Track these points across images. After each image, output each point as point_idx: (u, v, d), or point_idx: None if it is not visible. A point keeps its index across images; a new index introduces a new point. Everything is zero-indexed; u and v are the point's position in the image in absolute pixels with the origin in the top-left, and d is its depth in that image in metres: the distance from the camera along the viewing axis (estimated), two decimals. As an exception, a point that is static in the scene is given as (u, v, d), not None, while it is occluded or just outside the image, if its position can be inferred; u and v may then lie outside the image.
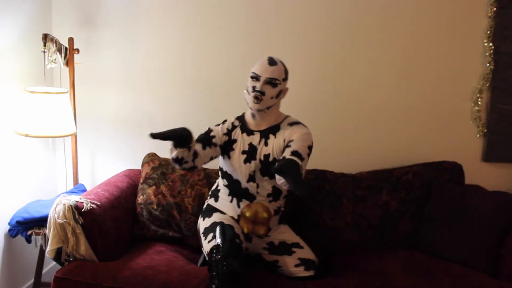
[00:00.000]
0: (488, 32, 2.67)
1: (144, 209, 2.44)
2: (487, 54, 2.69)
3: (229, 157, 2.16)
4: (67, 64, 2.62)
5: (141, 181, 2.51)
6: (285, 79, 2.09)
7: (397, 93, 2.78)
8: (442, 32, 2.71)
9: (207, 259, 2.01)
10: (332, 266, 2.25)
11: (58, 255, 2.09)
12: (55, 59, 2.52)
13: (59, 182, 2.96)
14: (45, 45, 2.45)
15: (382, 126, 2.81)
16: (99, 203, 2.19)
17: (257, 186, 2.15)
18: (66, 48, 2.60)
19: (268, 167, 2.12)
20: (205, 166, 2.57)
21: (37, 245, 2.63)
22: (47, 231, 2.11)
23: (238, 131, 2.18)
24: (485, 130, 2.75)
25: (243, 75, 2.79)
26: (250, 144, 2.14)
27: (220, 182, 2.26)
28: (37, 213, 2.39)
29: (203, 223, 2.18)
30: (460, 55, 2.72)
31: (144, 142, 2.89)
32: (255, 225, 2.10)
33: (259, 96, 2.02)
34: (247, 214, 2.10)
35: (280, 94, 2.09)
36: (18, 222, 2.38)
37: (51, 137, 2.52)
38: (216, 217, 2.16)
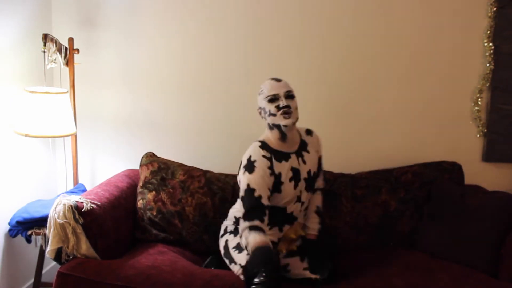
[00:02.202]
0: (488, 32, 2.67)
1: (144, 214, 2.44)
2: (487, 54, 2.69)
3: (279, 192, 2.09)
4: (67, 64, 2.62)
5: (140, 185, 2.49)
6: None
7: (397, 93, 2.78)
8: (442, 32, 2.71)
9: (241, 272, 2.01)
10: (338, 269, 2.23)
11: (58, 255, 2.09)
12: (55, 59, 2.52)
13: (59, 182, 2.96)
14: (45, 45, 2.45)
15: (382, 126, 2.81)
16: (99, 203, 2.19)
17: (302, 204, 2.17)
18: (66, 48, 2.60)
19: (311, 182, 2.19)
20: (206, 168, 2.59)
21: (37, 245, 2.63)
22: (47, 231, 2.11)
23: (275, 162, 2.08)
24: (485, 130, 2.75)
25: (244, 74, 2.81)
26: (292, 169, 2.11)
27: None
28: (37, 213, 2.39)
29: (235, 239, 2.16)
30: (460, 55, 2.72)
31: (144, 142, 2.90)
32: (291, 243, 2.17)
33: (288, 111, 2.03)
34: (293, 236, 2.15)
35: None
36: (18, 222, 2.38)
37: (51, 137, 2.52)
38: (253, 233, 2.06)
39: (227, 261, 2.16)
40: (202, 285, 1.97)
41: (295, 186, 2.11)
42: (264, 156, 2.06)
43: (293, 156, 2.13)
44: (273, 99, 2.05)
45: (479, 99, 2.74)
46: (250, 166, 2.04)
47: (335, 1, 2.73)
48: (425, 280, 2.09)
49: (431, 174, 2.54)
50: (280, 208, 2.12)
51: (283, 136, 2.10)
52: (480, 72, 2.72)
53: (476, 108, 2.75)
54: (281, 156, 2.11)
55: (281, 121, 2.04)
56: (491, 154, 2.76)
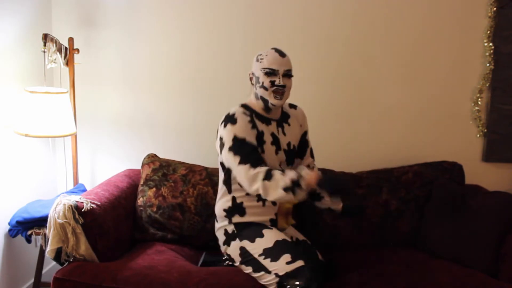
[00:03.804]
0: (488, 32, 2.68)
1: (144, 212, 2.44)
2: (487, 54, 2.69)
3: (263, 151, 2.00)
4: (67, 64, 2.62)
5: (141, 183, 2.50)
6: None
7: (397, 93, 2.78)
8: (442, 32, 2.71)
9: (280, 280, 1.89)
10: (336, 266, 2.24)
11: (58, 255, 2.08)
12: (55, 59, 2.51)
13: (59, 182, 2.96)
14: (45, 45, 2.45)
15: (382, 126, 2.81)
16: (99, 203, 2.19)
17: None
18: (66, 48, 2.60)
19: (291, 155, 2.11)
20: (207, 164, 2.59)
21: (37, 245, 2.63)
22: (47, 231, 2.10)
23: (256, 120, 2.02)
24: (485, 130, 2.75)
25: (246, 73, 2.79)
26: (272, 134, 2.05)
27: (239, 194, 2.06)
28: (37, 213, 2.39)
29: (256, 245, 1.99)
30: (460, 55, 2.72)
31: (144, 142, 2.90)
32: (287, 216, 2.08)
33: (281, 90, 1.96)
34: (288, 206, 2.05)
35: None
36: (18, 222, 2.37)
37: (51, 137, 2.52)
38: (271, 234, 1.99)
39: (249, 268, 2.00)
40: (198, 282, 1.97)
41: (276, 152, 2.04)
42: (244, 113, 1.99)
43: (273, 123, 2.07)
44: (270, 73, 1.97)
45: (479, 99, 2.74)
46: (230, 119, 1.96)
47: (336, 1, 2.73)
48: (425, 280, 2.09)
49: (431, 174, 2.54)
50: None
51: (266, 109, 2.05)
52: (480, 72, 2.72)
53: (476, 108, 2.75)
54: (262, 118, 2.05)
55: (270, 99, 1.98)
56: (491, 154, 2.76)
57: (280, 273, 1.89)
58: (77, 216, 2.07)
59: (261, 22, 2.77)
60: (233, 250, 2.07)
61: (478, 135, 2.78)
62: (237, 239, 2.06)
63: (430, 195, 2.49)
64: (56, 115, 2.39)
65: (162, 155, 2.66)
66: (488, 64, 2.70)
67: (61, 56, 2.55)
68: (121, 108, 2.90)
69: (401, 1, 2.70)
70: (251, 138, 1.94)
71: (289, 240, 2.02)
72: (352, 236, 2.47)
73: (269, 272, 1.93)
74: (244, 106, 2.06)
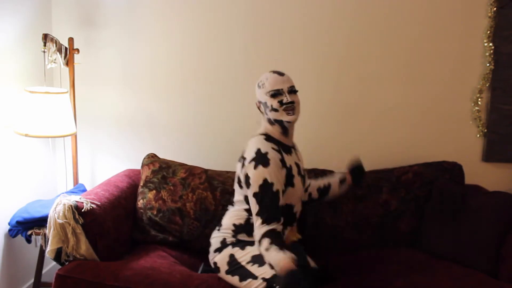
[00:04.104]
0: (488, 32, 2.68)
1: (144, 214, 2.43)
2: (487, 54, 2.69)
3: (293, 186, 1.99)
4: (67, 64, 2.62)
5: (141, 184, 2.50)
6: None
7: (397, 93, 2.78)
8: (442, 32, 2.71)
9: (268, 284, 1.86)
10: (331, 269, 2.23)
11: (58, 255, 2.08)
12: (55, 59, 2.52)
13: (59, 182, 2.96)
14: (45, 45, 2.45)
15: (382, 126, 2.81)
16: (99, 203, 2.19)
17: (301, 203, 2.12)
18: (66, 48, 2.60)
19: (305, 179, 2.15)
20: (206, 167, 2.59)
21: (37, 245, 2.63)
22: (47, 231, 2.10)
23: (284, 154, 1.99)
24: (485, 130, 2.75)
25: (246, 73, 2.80)
26: (296, 163, 2.04)
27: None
28: (37, 213, 2.39)
29: (246, 252, 1.98)
30: (460, 55, 2.72)
31: (144, 142, 2.90)
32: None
33: (292, 107, 1.96)
34: (294, 238, 2.07)
35: None
36: (18, 222, 2.37)
37: (51, 137, 2.52)
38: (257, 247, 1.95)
39: (235, 278, 1.97)
40: (199, 284, 1.97)
41: (302, 182, 2.06)
42: (273, 148, 1.95)
43: (293, 151, 2.08)
44: (275, 94, 1.96)
45: (479, 99, 2.74)
46: (262, 159, 1.90)
47: (336, 1, 2.73)
48: (425, 280, 2.09)
49: (431, 174, 2.54)
50: (288, 208, 2.01)
51: (285, 131, 2.03)
52: (480, 72, 2.72)
53: (476, 108, 2.75)
54: (286, 148, 2.03)
55: (284, 117, 1.96)
56: (491, 154, 2.76)
57: (267, 277, 1.86)
58: (77, 216, 2.07)
59: (261, 22, 2.77)
60: (222, 258, 2.04)
61: (478, 135, 2.78)
62: (230, 246, 2.05)
63: (430, 195, 2.49)
64: (56, 115, 2.39)
65: (162, 155, 2.66)
66: (488, 64, 2.70)
67: (61, 56, 2.55)
68: (121, 108, 2.90)
69: (401, 1, 2.70)
70: (279, 183, 1.91)
71: None
72: (352, 236, 2.47)
73: (255, 277, 1.90)
74: (267, 137, 2.01)
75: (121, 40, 2.84)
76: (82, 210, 2.09)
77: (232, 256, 2.01)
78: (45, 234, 2.30)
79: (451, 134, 2.79)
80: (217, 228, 2.16)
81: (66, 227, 2.06)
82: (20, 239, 2.50)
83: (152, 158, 2.57)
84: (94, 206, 2.14)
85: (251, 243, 1.99)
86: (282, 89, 1.96)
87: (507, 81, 2.70)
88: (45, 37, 2.45)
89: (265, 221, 1.85)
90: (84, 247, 2.08)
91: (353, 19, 2.74)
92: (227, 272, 2.01)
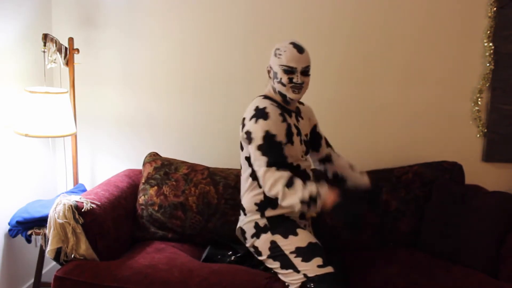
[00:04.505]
0: (488, 32, 2.68)
1: (145, 210, 2.44)
2: (487, 54, 2.69)
3: (292, 144, 2.00)
4: (67, 64, 2.62)
5: (143, 181, 2.50)
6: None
7: (397, 93, 2.78)
8: (442, 32, 2.71)
9: (306, 281, 1.90)
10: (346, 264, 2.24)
11: (58, 255, 2.08)
12: (55, 59, 2.52)
13: (59, 182, 2.96)
14: (45, 45, 2.45)
15: (382, 126, 2.81)
16: (99, 203, 2.19)
17: (306, 163, 2.12)
18: (66, 48, 2.60)
19: (308, 146, 2.15)
20: (208, 164, 2.59)
21: (37, 245, 2.63)
22: (47, 231, 2.10)
23: (284, 113, 2.02)
24: (485, 130, 2.75)
25: (246, 72, 2.81)
26: (295, 126, 2.06)
27: None
28: (37, 213, 2.39)
29: (289, 241, 1.98)
30: (460, 55, 2.72)
31: (144, 141, 2.90)
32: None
33: (300, 87, 1.97)
34: (313, 214, 2.07)
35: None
36: (18, 222, 2.37)
37: (51, 137, 2.52)
38: (304, 236, 1.99)
39: (276, 263, 1.98)
40: (199, 282, 1.97)
41: (300, 142, 2.06)
42: (272, 105, 1.98)
43: (293, 115, 2.08)
44: (288, 71, 1.96)
45: (479, 99, 2.74)
46: (262, 113, 1.93)
47: (336, 3, 2.73)
48: (425, 280, 2.09)
49: (431, 174, 2.54)
50: (294, 167, 2.01)
51: (285, 102, 2.05)
52: (480, 72, 2.72)
53: (476, 108, 2.75)
54: (287, 110, 2.05)
55: (289, 93, 1.98)
56: (491, 154, 2.76)
57: (310, 275, 1.89)
58: (77, 216, 2.07)
59: (261, 22, 2.77)
60: (262, 243, 2.03)
61: (478, 135, 2.78)
62: (269, 232, 2.02)
63: (430, 195, 2.49)
64: (56, 115, 2.39)
65: (162, 155, 2.66)
66: (488, 64, 2.70)
67: (61, 56, 2.55)
68: (121, 108, 2.90)
69: (401, 1, 2.70)
70: (281, 134, 1.94)
71: (320, 245, 2.01)
72: (352, 237, 2.47)
73: (298, 271, 1.93)
74: (268, 98, 2.05)
75: (121, 40, 2.84)
76: (82, 210, 2.09)
77: (274, 243, 2.00)
78: (45, 234, 2.30)
79: (451, 134, 2.79)
80: (242, 212, 2.15)
81: (66, 227, 2.06)
82: (20, 239, 2.50)
83: (154, 156, 2.59)
84: (94, 206, 2.14)
85: (288, 225, 2.01)
86: (296, 68, 1.96)
87: (507, 81, 2.70)
88: (45, 37, 2.45)
89: (277, 168, 1.86)
90: (84, 247, 2.08)
91: (353, 19, 2.74)
92: (269, 257, 2.02)
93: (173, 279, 1.99)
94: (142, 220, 2.44)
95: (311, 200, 1.83)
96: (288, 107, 2.08)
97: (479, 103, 2.74)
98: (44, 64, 2.49)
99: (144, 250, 2.26)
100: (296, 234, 2.00)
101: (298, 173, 2.02)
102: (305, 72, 1.99)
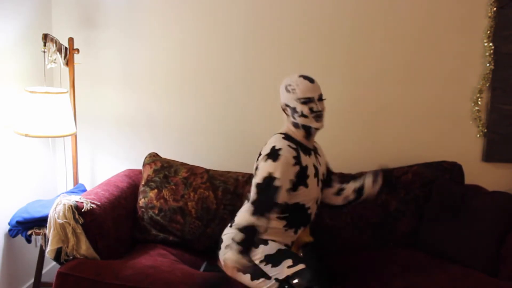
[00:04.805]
0: (488, 32, 2.68)
1: (145, 213, 2.44)
2: (487, 54, 2.69)
3: (306, 186, 2.01)
4: (67, 64, 2.62)
5: (143, 183, 2.50)
6: None
7: (397, 93, 2.78)
8: (442, 32, 2.71)
9: (280, 285, 1.91)
10: (333, 270, 2.23)
11: (58, 255, 2.08)
12: (55, 59, 2.52)
13: (59, 182, 2.96)
14: (45, 45, 2.45)
15: (382, 126, 2.81)
16: (99, 203, 2.19)
17: (316, 206, 2.12)
18: (66, 48, 2.60)
19: (323, 185, 2.16)
20: (206, 167, 2.58)
21: (37, 245, 2.63)
22: (47, 231, 2.11)
23: (301, 153, 2.01)
24: (485, 130, 2.75)
25: (245, 73, 2.81)
26: (314, 166, 2.05)
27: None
28: (37, 213, 2.39)
29: (259, 251, 1.98)
30: (460, 55, 2.72)
31: (144, 142, 2.90)
32: (299, 249, 2.12)
33: (321, 114, 2.00)
34: (307, 240, 2.10)
35: None
36: (18, 222, 2.37)
37: (51, 137, 2.52)
38: (275, 245, 2.00)
39: (246, 276, 1.98)
40: (202, 283, 1.97)
41: (318, 183, 2.07)
42: (289, 146, 1.97)
43: (313, 154, 2.09)
44: (306, 102, 1.97)
45: (479, 99, 2.74)
46: (274, 154, 1.93)
47: (336, 2, 2.73)
48: (425, 280, 2.09)
49: (431, 174, 2.54)
50: (303, 208, 2.04)
51: (308, 136, 2.05)
52: (480, 72, 2.72)
53: (476, 108, 2.75)
54: (306, 149, 2.05)
55: (313, 124, 1.99)
56: (491, 154, 2.76)
57: (280, 277, 1.89)
58: (77, 216, 2.07)
59: (261, 22, 2.77)
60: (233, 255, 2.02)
61: (478, 135, 2.78)
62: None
63: (430, 195, 2.49)
64: (56, 115, 2.39)
65: (161, 155, 2.65)
66: (488, 64, 2.70)
67: (61, 56, 2.55)
68: (121, 108, 2.90)
69: (402, 1, 2.70)
70: (284, 179, 1.91)
71: (293, 252, 2.01)
72: (352, 237, 2.47)
73: (269, 278, 1.93)
74: (286, 137, 2.03)
75: (121, 40, 2.84)
76: (82, 210, 2.09)
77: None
78: (45, 234, 2.30)
79: (451, 134, 2.78)
80: (229, 224, 2.16)
81: (66, 227, 2.06)
82: (20, 239, 2.50)
83: (153, 157, 2.58)
84: (94, 206, 2.14)
85: (264, 241, 2.00)
86: (313, 97, 1.98)
87: (507, 81, 2.70)
88: (45, 37, 2.45)
89: (255, 212, 1.86)
90: (85, 247, 2.08)
91: (353, 19, 2.74)
92: (238, 270, 1.98)
93: (175, 279, 1.99)
94: (143, 222, 2.44)
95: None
96: (307, 145, 2.07)
97: (479, 103, 2.74)
98: (44, 64, 2.49)
99: (147, 253, 2.26)
100: (266, 243, 2.00)
101: (303, 217, 2.05)
102: (320, 99, 2.02)
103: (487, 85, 2.72)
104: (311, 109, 1.98)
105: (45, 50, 2.46)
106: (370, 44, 2.75)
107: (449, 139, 2.79)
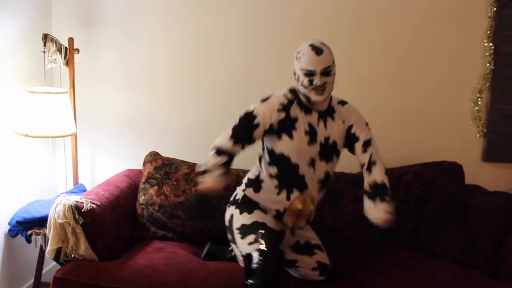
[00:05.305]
0: (488, 32, 2.68)
1: (145, 210, 2.44)
2: (487, 54, 2.69)
3: (291, 137, 2.00)
4: (67, 64, 2.62)
5: (143, 181, 2.50)
6: (333, 60, 2.00)
7: (397, 93, 2.78)
8: (442, 32, 2.71)
9: (242, 260, 1.97)
10: (341, 271, 2.21)
11: (58, 255, 2.08)
12: (55, 59, 2.52)
13: (59, 182, 2.96)
14: (45, 45, 2.45)
15: (382, 126, 2.81)
16: (99, 203, 2.19)
17: (314, 171, 2.06)
18: (66, 48, 2.60)
19: (327, 150, 2.06)
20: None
21: (37, 245, 2.63)
22: (47, 231, 2.11)
23: (296, 107, 2.02)
24: (485, 130, 2.75)
25: (245, 73, 2.81)
26: (310, 125, 2.03)
27: (265, 171, 2.08)
28: (37, 213, 2.39)
29: (240, 218, 2.06)
30: (460, 55, 2.72)
31: (144, 141, 2.90)
32: (299, 218, 2.04)
33: (321, 88, 1.96)
34: (299, 207, 2.01)
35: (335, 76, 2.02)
36: (18, 222, 2.37)
37: (51, 137, 2.52)
38: (258, 216, 2.04)
39: (229, 236, 2.11)
40: (197, 283, 1.97)
41: (309, 143, 2.02)
42: (285, 95, 2.04)
43: (315, 114, 2.04)
44: (308, 74, 1.95)
45: (479, 99, 2.74)
46: (266, 97, 2.04)
47: (336, 2, 2.73)
48: (425, 280, 2.09)
49: (431, 174, 2.54)
50: (292, 166, 2.01)
51: (310, 103, 2.03)
52: (480, 72, 2.72)
53: (476, 108, 2.75)
54: (303, 106, 2.03)
55: (312, 95, 1.97)
56: (491, 154, 2.76)
57: (243, 252, 1.97)
58: (77, 216, 2.07)
59: (261, 22, 2.77)
60: (227, 214, 2.15)
61: (478, 135, 2.78)
62: (235, 205, 2.13)
63: (430, 195, 2.49)
64: (56, 115, 2.39)
65: (163, 154, 2.66)
66: (488, 64, 2.70)
67: (61, 56, 2.55)
68: (121, 108, 2.90)
69: (401, 1, 2.70)
70: (266, 119, 1.98)
71: (269, 225, 2.00)
72: (352, 237, 2.47)
73: (236, 245, 2.05)
74: (292, 90, 2.07)
75: (121, 40, 2.84)
76: (82, 210, 2.09)
77: (231, 216, 2.11)
78: (45, 234, 2.30)
79: (451, 134, 2.79)
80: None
81: (66, 227, 2.06)
82: (20, 239, 2.50)
83: (154, 156, 2.59)
84: (94, 206, 2.14)
85: (253, 206, 2.08)
86: (315, 71, 1.94)
87: (507, 81, 2.70)
88: (45, 37, 2.45)
89: (232, 136, 1.99)
90: (84, 247, 2.08)
91: (353, 20, 2.74)
92: (227, 228, 2.14)
93: (171, 280, 1.99)
94: (142, 220, 2.44)
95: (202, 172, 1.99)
96: (309, 106, 2.04)
97: (479, 103, 2.74)
98: (44, 64, 2.49)
99: (143, 250, 2.26)
100: (250, 212, 2.06)
101: (294, 176, 2.03)
102: (326, 73, 1.96)
103: (487, 85, 2.72)
104: (311, 81, 1.96)
105: (45, 50, 2.46)
106: (369, 44, 2.75)
107: (449, 139, 2.79)
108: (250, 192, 2.12)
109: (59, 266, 2.09)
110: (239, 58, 2.80)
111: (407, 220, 2.48)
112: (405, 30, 2.73)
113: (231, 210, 2.13)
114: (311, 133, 2.03)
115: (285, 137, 2.00)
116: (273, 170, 2.06)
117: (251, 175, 2.17)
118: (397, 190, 2.51)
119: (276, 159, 2.04)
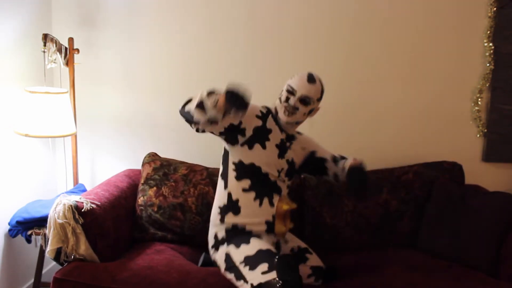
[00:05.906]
0: (488, 32, 2.68)
1: (144, 211, 2.44)
2: (487, 54, 2.69)
3: (263, 147, 2.00)
4: (67, 64, 2.62)
5: (142, 182, 2.50)
6: (319, 99, 2.04)
7: (397, 93, 2.78)
8: (442, 32, 2.71)
9: None
10: (338, 271, 2.20)
11: (58, 255, 2.08)
12: (55, 59, 2.52)
13: (59, 182, 2.96)
14: (45, 45, 2.45)
15: (382, 126, 2.81)
16: (99, 203, 2.19)
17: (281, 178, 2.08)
18: (66, 48, 2.61)
19: (292, 170, 2.12)
20: (207, 164, 2.59)
21: (37, 245, 2.63)
22: (47, 231, 2.10)
23: (271, 120, 2.05)
24: (485, 130, 2.75)
25: (245, 73, 2.81)
26: (282, 141, 2.06)
27: (236, 189, 2.02)
28: (37, 213, 2.39)
29: (239, 251, 1.93)
30: (460, 55, 2.72)
31: (144, 142, 2.90)
32: (286, 219, 2.04)
33: (291, 111, 1.99)
34: (285, 208, 2.01)
35: (312, 112, 2.06)
36: (18, 222, 2.37)
37: (51, 137, 2.52)
38: (257, 243, 1.92)
39: (232, 276, 1.92)
40: (197, 283, 1.97)
41: (279, 156, 2.04)
42: (263, 106, 2.06)
43: (284, 134, 2.08)
44: (289, 91, 2.00)
45: (479, 99, 2.74)
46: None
47: (336, 3, 2.73)
48: (425, 280, 2.09)
49: (431, 174, 2.54)
50: (262, 174, 2.01)
51: (275, 118, 2.06)
52: (480, 72, 2.72)
53: (476, 108, 2.75)
54: (278, 124, 2.06)
55: (280, 112, 2.02)
56: (491, 154, 2.76)
57: (254, 283, 1.79)
58: (77, 216, 2.07)
59: (261, 22, 2.77)
60: (219, 256, 2.02)
61: (478, 135, 2.78)
62: (226, 244, 2.01)
63: (430, 195, 2.49)
64: (56, 115, 2.39)
65: (161, 155, 2.66)
66: (488, 64, 2.70)
67: (61, 56, 2.55)
68: (121, 108, 2.90)
69: (402, 1, 2.71)
70: (244, 120, 1.94)
71: (274, 250, 1.90)
72: (352, 237, 2.47)
73: (247, 281, 1.84)
74: (266, 107, 2.09)
75: (121, 40, 2.84)
76: (82, 210, 2.09)
77: (228, 255, 1.98)
78: (45, 234, 2.30)
79: (451, 134, 2.79)
80: (210, 226, 2.17)
81: (66, 227, 2.06)
82: (20, 239, 2.50)
83: (153, 157, 2.59)
84: (94, 206, 2.14)
85: (246, 235, 1.98)
86: (296, 92, 1.99)
87: (507, 81, 2.70)
88: (45, 37, 2.45)
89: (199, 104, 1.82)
90: (84, 247, 2.08)
91: (354, 19, 2.74)
92: (225, 269, 1.98)
93: (171, 280, 1.99)
94: (141, 221, 2.44)
95: (204, 102, 1.81)
96: (281, 124, 2.06)
97: (479, 103, 2.74)
98: (44, 64, 2.49)
99: (143, 252, 2.26)
100: (248, 242, 1.94)
101: (267, 182, 2.02)
102: (304, 101, 1.98)
103: (487, 85, 2.72)
104: (287, 99, 2.00)
105: (45, 50, 2.46)
106: (370, 44, 2.75)
107: (449, 139, 2.79)
108: (231, 218, 2.02)
109: (59, 266, 2.09)
110: (239, 59, 2.80)
111: (407, 220, 2.48)
112: (405, 30, 2.73)
113: (222, 251, 2.00)
114: (281, 148, 2.06)
115: (257, 146, 2.00)
116: (246, 183, 2.01)
117: (219, 203, 2.07)
118: (397, 189, 2.51)
119: (246, 170, 2.01)
